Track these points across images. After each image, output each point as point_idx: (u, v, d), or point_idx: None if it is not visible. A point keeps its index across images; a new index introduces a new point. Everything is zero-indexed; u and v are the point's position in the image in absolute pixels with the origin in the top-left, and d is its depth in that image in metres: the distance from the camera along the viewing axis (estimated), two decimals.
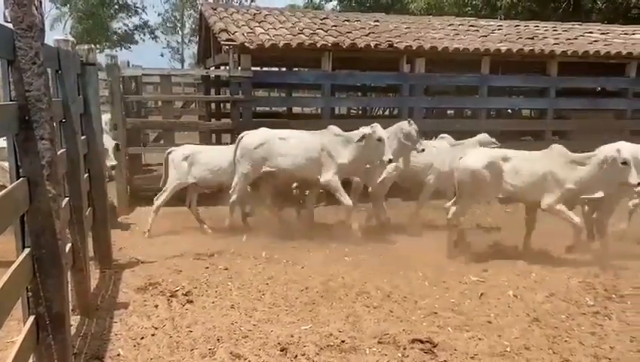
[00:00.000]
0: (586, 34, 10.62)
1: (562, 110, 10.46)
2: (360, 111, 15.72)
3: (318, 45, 8.13)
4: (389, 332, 3.86)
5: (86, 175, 4.58)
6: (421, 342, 3.70)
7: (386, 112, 18.11)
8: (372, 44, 8.33)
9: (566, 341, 3.77)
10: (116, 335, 3.77)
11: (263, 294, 4.56)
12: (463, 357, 3.55)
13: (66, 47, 4.00)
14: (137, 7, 41.34)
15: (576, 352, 3.60)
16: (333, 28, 9.16)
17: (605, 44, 9.74)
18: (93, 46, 5.00)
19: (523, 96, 12.83)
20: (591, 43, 9.80)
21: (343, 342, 3.71)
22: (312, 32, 8.73)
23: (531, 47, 9.01)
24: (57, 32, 35.79)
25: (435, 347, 3.65)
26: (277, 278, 4.95)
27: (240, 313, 4.17)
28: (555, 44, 9.44)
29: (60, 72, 3.77)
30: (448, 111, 14.63)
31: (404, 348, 3.63)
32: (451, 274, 5.13)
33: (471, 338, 3.80)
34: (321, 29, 9.03)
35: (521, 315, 4.20)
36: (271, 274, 5.04)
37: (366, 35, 8.84)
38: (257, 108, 12.78)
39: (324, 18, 10.02)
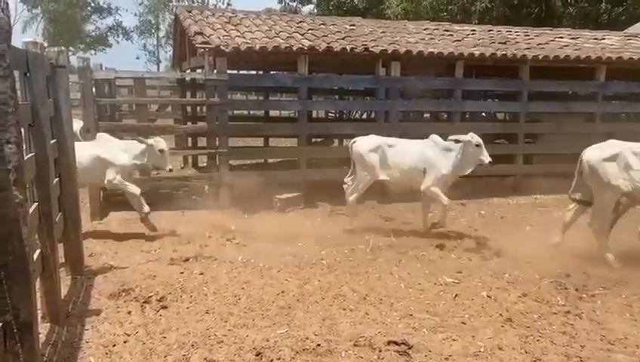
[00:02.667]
0: (556, 39, 10.86)
1: (535, 113, 10.68)
2: (337, 115, 15.79)
3: (295, 48, 8.13)
4: (364, 334, 3.87)
5: (57, 179, 4.49)
6: (396, 343, 3.72)
7: (364, 115, 18.26)
8: (348, 48, 8.37)
9: (538, 340, 3.83)
10: (87, 342, 3.70)
11: (239, 299, 4.53)
12: (438, 358, 3.58)
13: (34, 50, 3.92)
14: (111, 9, 40.75)
15: (547, 351, 3.67)
16: (310, 31, 9.18)
17: (575, 49, 9.98)
18: (63, 48, 4.91)
19: (497, 99, 13.05)
20: (561, 48, 10.01)
21: (318, 345, 3.71)
22: (288, 35, 8.73)
23: (504, 52, 9.17)
24: (30, 35, 35.07)
25: (410, 348, 3.67)
26: (253, 282, 4.92)
27: (215, 318, 4.13)
28: (526, 48, 9.62)
29: (28, 74, 3.69)
30: (425, 115, 14.80)
31: (380, 350, 3.64)
32: (426, 276, 5.18)
33: (445, 339, 3.84)
34: (298, 32, 9.04)
35: (494, 316, 4.26)
36: (247, 279, 5.01)
37: (342, 39, 8.88)
38: (235, 112, 12.77)
39: (301, 21, 10.03)
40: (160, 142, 6.42)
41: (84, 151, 5.94)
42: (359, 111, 19.12)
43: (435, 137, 6.78)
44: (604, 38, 11.42)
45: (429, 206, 6.99)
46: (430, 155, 6.64)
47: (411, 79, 9.67)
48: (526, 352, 3.65)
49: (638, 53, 10.02)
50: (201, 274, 5.12)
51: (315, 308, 4.38)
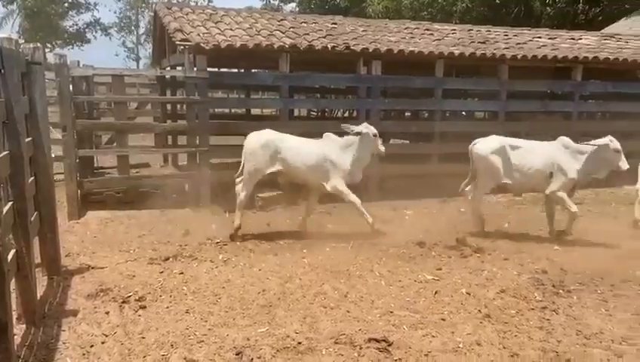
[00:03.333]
0: (535, 39, 11.01)
1: (514, 112, 10.83)
2: (319, 113, 15.80)
3: (276, 46, 8.10)
4: (345, 332, 3.88)
5: (32, 178, 4.40)
6: (377, 341, 3.74)
7: (345, 114, 18.30)
8: (329, 46, 8.37)
9: (515, 336, 3.89)
10: (64, 343, 3.64)
11: (219, 298, 4.51)
12: (417, 354, 3.61)
13: (9, 46, 3.83)
14: (89, 4, 40.08)
15: (525, 346, 3.72)
16: (291, 29, 9.15)
17: (553, 49, 10.13)
18: (39, 45, 4.81)
19: (477, 98, 13.18)
20: (539, 47, 10.16)
21: (299, 343, 3.71)
22: (269, 33, 8.70)
23: (483, 51, 9.27)
24: (5, 31, 34.34)
25: (390, 345, 3.70)
26: (233, 281, 4.90)
27: (195, 317, 4.11)
28: (505, 48, 9.74)
29: (2, 71, 3.61)
30: (406, 113, 14.89)
31: (360, 348, 3.66)
32: (407, 274, 5.21)
33: (425, 335, 3.87)
34: (279, 30, 9.01)
35: (473, 312, 4.31)
36: (227, 278, 4.99)
37: (323, 37, 8.87)
38: (216, 110, 12.69)
39: (282, 20, 9.99)
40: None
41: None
42: (341, 110, 19.19)
43: (564, 139, 6.49)
44: (580, 38, 11.62)
45: (554, 211, 6.68)
46: (560, 158, 6.33)
47: (392, 78, 9.73)
48: (504, 347, 3.70)
49: (614, 54, 10.23)
50: (181, 273, 5.08)
51: (296, 306, 4.38)
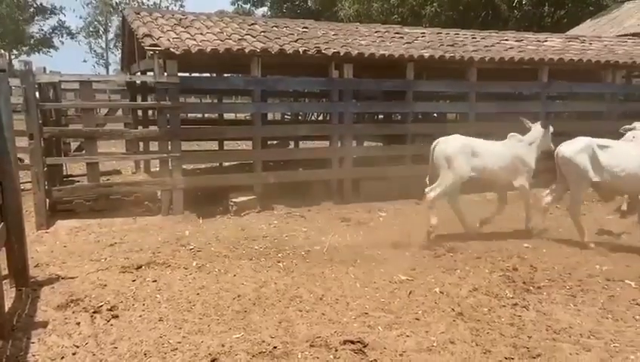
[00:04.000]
0: (502, 41, 11.25)
1: (484, 114, 11.03)
2: (292, 117, 15.79)
3: (247, 51, 8.08)
4: (321, 335, 3.89)
5: None
6: (352, 342, 3.76)
7: (320, 117, 18.33)
8: (300, 50, 8.39)
9: (488, 333, 3.96)
10: (34, 356, 3.56)
11: (194, 305, 4.46)
12: (392, 354, 3.64)
13: None
14: (55, 9, 39.26)
15: (497, 343, 3.79)
16: (262, 34, 9.14)
17: (519, 51, 10.37)
18: (2, 51, 4.72)
19: (449, 100, 13.39)
20: (506, 50, 10.39)
21: (275, 348, 3.70)
22: (240, 37, 8.67)
23: (452, 54, 9.42)
24: None
25: (365, 347, 3.72)
26: (208, 287, 4.86)
27: (169, 325, 4.06)
28: (473, 50, 9.92)
29: None
30: (379, 116, 15.01)
31: (336, 350, 3.67)
32: (381, 275, 5.25)
33: (400, 335, 3.91)
34: (250, 34, 8.99)
35: (447, 310, 4.37)
36: (202, 284, 4.94)
37: (295, 41, 8.89)
38: (188, 115, 12.55)
39: (253, 24, 9.97)
40: None
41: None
42: (315, 113, 19.21)
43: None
44: (546, 40, 11.92)
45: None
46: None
47: (364, 81, 9.80)
48: (477, 345, 3.77)
49: (578, 55, 10.52)
50: (154, 281, 5.02)
51: (271, 310, 4.37)
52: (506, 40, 11.44)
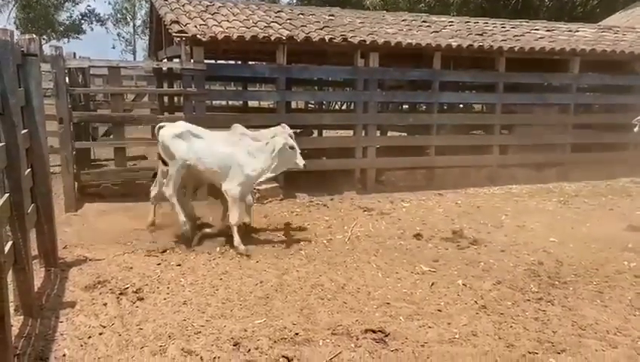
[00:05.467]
0: (532, 31, 10.99)
1: (511, 105, 10.84)
2: (316, 106, 15.78)
3: (272, 38, 8.06)
4: (342, 323, 3.90)
5: (29, 170, 4.40)
6: (373, 331, 3.77)
7: (343, 106, 18.26)
8: (326, 38, 8.34)
9: (511, 326, 3.91)
10: (62, 335, 3.65)
11: (217, 289, 4.52)
12: (414, 345, 3.63)
13: (4, 37, 3.80)
14: None
15: (520, 337, 3.75)
16: (288, 21, 9.11)
17: (550, 41, 10.12)
18: (34, 36, 4.78)
19: (475, 91, 13.15)
20: (537, 40, 10.14)
21: (296, 334, 3.73)
22: (266, 24, 8.66)
23: (480, 43, 9.24)
24: (1, 23, 34.13)
25: (386, 336, 3.72)
26: (231, 273, 4.91)
27: (192, 309, 4.12)
28: (502, 40, 9.71)
29: None
30: (404, 106, 14.87)
31: (357, 339, 3.68)
32: (403, 265, 5.23)
33: (421, 326, 3.90)
34: (276, 22, 8.97)
35: (469, 303, 4.33)
36: (225, 269, 5.00)
37: (320, 29, 8.83)
38: (213, 102, 12.66)
39: (279, 11, 9.95)
40: None
41: None
42: (339, 102, 19.14)
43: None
44: (578, 31, 11.60)
45: None
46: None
47: (390, 70, 9.70)
48: (499, 338, 3.73)
49: (611, 46, 10.22)
50: (179, 265, 5.09)
51: (293, 297, 4.39)
52: (537, 29, 11.17)
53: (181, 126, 6.04)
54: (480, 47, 9.18)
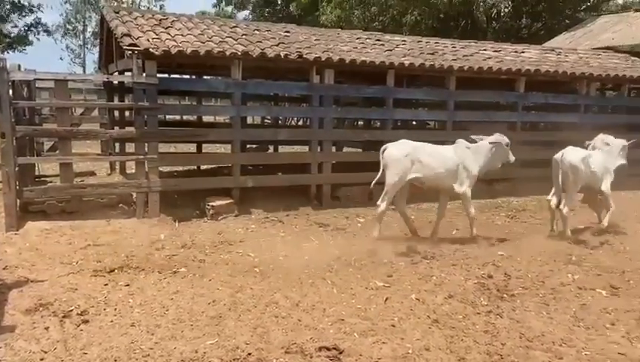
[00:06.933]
0: (481, 51, 11.42)
1: (462, 122, 11.18)
2: (272, 121, 15.77)
3: (228, 53, 8.02)
4: (296, 341, 3.86)
5: None
6: (328, 349, 3.74)
7: (299, 122, 18.34)
8: (282, 54, 8.37)
9: (462, 340, 3.97)
10: (0, 361, 3.44)
11: (167, 310, 4.39)
12: (368, 361, 3.63)
13: None
14: (32, 7, 38.48)
15: (471, 350, 3.81)
16: (244, 37, 9.10)
17: (498, 61, 10.53)
18: None
19: (427, 108, 13.49)
20: (485, 60, 10.54)
21: (249, 354, 3.66)
22: (221, 39, 8.61)
23: (432, 62, 9.52)
24: None
25: (341, 353, 3.70)
26: (183, 292, 4.78)
27: (141, 331, 3.98)
28: (453, 59, 10.04)
29: None
30: (359, 122, 15.08)
31: (311, 357, 3.65)
32: (358, 281, 5.24)
33: (375, 342, 3.90)
34: (231, 37, 8.94)
35: (422, 317, 4.38)
36: (176, 289, 4.86)
37: (276, 45, 8.87)
38: (167, 117, 12.41)
39: (234, 26, 9.92)
40: None
41: None
42: (296, 118, 19.20)
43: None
44: (523, 52, 12.14)
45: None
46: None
47: (345, 87, 9.84)
48: (451, 352, 3.78)
49: (554, 67, 10.74)
50: (127, 285, 4.92)
51: (246, 316, 4.32)
52: (485, 50, 11.62)
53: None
54: (431, 66, 9.44)
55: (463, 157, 6.76)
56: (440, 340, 3.96)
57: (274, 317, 4.32)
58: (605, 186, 7.27)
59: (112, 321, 4.13)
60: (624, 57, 13.49)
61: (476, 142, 6.91)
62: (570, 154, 6.88)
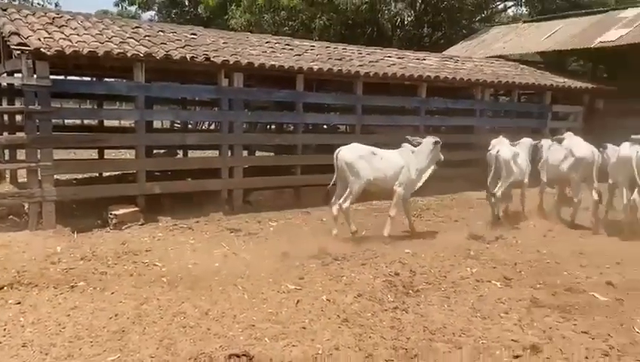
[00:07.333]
0: (386, 57, 11.87)
1: (370, 125, 11.56)
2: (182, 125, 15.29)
3: (129, 55, 7.66)
4: (205, 351, 3.77)
5: None
6: (237, 356, 3.69)
7: (212, 126, 17.94)
8: (188, 57, 8.15)
9: (370, 337, 4.08)
10: None
11: (64, 327, 4.10)
12: None
13: None
14: None
15: (378, 347, 3.93)
16: (147, 38, 8.75)
17: (401, 68, 11.01)
18: None
19: (339, 112, 13.77)
20: (390, 66, 10.97)
21: None
22: (122, 40, 8.22)
23: (340, 68, 9.73)
24: None
25: (251, 359, 3.67)
26: (81, 308, 4.50)
27: (34, 351, 3.70)
28: (360, 65, 10.35)
29: None
30: (272, 126, 15.05)
31: None
32: (270, 285, 5.22)
33: (286, 345, 3.90)
34: (133, 38, 8.56)
35: (332, 318, 4.44)
36: (74, 305, 4.56)
37: (182, 47, 8.62)
38: (66, 121, 11.62)
39: (137, 27, 9.51)
40: None
41: None
42: (207, 122, 18.77)
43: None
44: (425, 59, 12.79)
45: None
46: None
47: (254, 90, 9.78)
48: (360, 349, 3.87)
49: (452, 73, 11.41)
50: (18, 303, 4.55)
51: (152, 329, 4.15)
52: (390, 57, 12.09)
53: None
54: (339, 71, 9.66)
55: (408, 161, 7.24)
56: (349, 339, 4.04)
57: (182, 327, 4.18)
58: (526, 179, 8.42)
59: (0, 343, 3.78)
60: (514, 65, 14.66)
61: (411, 142, 7.39)
62: (504, 151, 7.90)
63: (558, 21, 17.05)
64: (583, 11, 16.52)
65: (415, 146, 7.36)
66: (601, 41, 13.77)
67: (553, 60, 16.59)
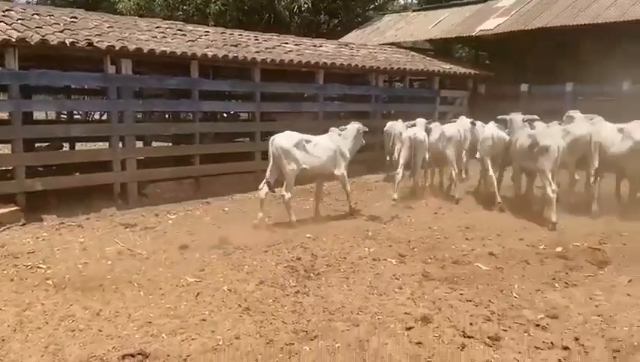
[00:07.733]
0: (282, 44, 11.85)
1: (271, 113, 11.53)
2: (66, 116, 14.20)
3: None
4: (96, 353, 3.58)
5: None
6: (132, 356, 3.54)
7: (104, 116, 16.84)
8: (67, 42, 7.54)
9: (271, 323, 4.10)
10: None
11: None
12: (177, 360, 3.52)
13: None
14: None
15: (279, 331, 3.96)
16: (19, 21, 7.97)
17: (298, 54, 11.04)
18: None
19: (241, 100, 13.54)
20: (286, 53, 10.97)
21: None
22: None
23: (235, 54, 9.56)
24: None
25: (147, 357, 3.54)
26: None
27: None
28: (256, 52, 10.23)
29: None
30: (170, 115, 14.45)
31: None
32: (168, 279, 5.05)
33: (184, 339, 3.81)
34: (4, 21, 7.76)
35: (233, 307, 4.40)
36: None
37: (60, 32, 7.96)
38: None
39: (8, 10, 8.62)
40: None
41: None
42: (99, 113, 17.60)
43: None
44: (321, 46, 12.94)
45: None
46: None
47: (145, 78, 9.33)
48: (261, 336, 3.88)
49: (348, 60, 11.68)
50: None
51: (36, 335, 3.86)
52: (287, 43, 12.09)
53: None
54: (235, 58, 9.48)
55: (338, 143, 7.60)
56: (250, 326, 4.03)
57: (70, 331, 3.93)
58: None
59: None
60: (405, 52, 15.32)
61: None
62: (420, 133, 8.56)
63: (443, 10, 18.04)
64: (465, 1, 17.57)
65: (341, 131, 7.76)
66: (481, 30, 14.79)
67: (441, 48, 17.58)
